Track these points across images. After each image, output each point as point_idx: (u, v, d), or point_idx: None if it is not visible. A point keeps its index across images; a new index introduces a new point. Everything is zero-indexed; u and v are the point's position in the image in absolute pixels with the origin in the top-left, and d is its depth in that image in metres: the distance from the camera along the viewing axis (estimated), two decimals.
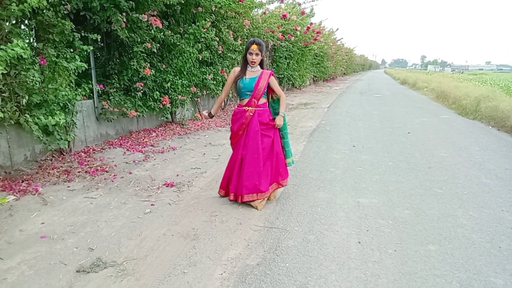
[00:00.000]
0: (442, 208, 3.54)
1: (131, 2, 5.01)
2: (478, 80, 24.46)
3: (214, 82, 7.97)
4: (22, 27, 4.06)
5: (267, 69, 3.46)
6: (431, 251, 2.72)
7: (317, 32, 15.79)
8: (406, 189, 4.06)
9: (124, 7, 4.97)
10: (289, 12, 13.35)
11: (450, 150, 5.92)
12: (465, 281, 2.35)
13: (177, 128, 7.03)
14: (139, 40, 5.56)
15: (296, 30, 13.48)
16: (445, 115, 10.14)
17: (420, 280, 2.35)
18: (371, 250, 2.72)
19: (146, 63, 5.87)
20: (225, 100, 9.95)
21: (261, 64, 3.41)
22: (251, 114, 3.39)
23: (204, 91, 8.00)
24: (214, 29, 7.36)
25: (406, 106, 12.29)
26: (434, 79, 23.31)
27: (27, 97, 3.91)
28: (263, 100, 3.44)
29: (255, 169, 3.39)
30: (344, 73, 36.98)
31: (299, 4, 14.72)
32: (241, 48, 8.93)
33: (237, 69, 3.47)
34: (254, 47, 3.27)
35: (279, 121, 3.44)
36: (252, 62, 3.31)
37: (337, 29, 23.27)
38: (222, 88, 8.55)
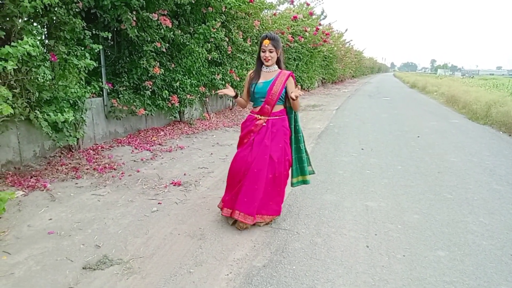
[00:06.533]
0: (452, 213, 3.48)
1: (141, 0, 5.03)
2: (490, 85, 24.14)
3: (223, 83, 7.97)
4: (35, 24, 4.09)
5: (286, 70, 3.06)
6: (441, 257, 2.67)
7: (326, 34, 15.72)
8: (415, 193, 4.01)
9: (134, 6, 4.98)
10: (298, 13, 13.31)
11: (460, 155, 5.84)
12: None
13: (185, 128, 7.04)
14: (149, 39, 5.57)
15: (306, 31, 13.43)
16: (455, 120, 10.03)
17: (429, 286, 2.31)
18: (379, 254, 2.68)
19: (156, 62, 5.88)
20: (232, 102, 9.94)
21: (278, 63, 3.02)
22: (264, 124, 2.96)
23: (213, 91, 8.00)
24: (224, 29, 7.37)
25: (416, 110, 12.17)
26: (444, 83, 23.08)
27: (37, 94, 3.94)
28: (279, 107, 3.01)
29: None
30: (353, 76, 36.81)
31: (308, 4, 14.68)
32: (250, 49, 8.92)
33: (251, 72, 3.10)
34: (266, 42, 2.85)
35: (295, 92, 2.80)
36: (265, 59, 2.91)
37: (346, 30, 23.11)
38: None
